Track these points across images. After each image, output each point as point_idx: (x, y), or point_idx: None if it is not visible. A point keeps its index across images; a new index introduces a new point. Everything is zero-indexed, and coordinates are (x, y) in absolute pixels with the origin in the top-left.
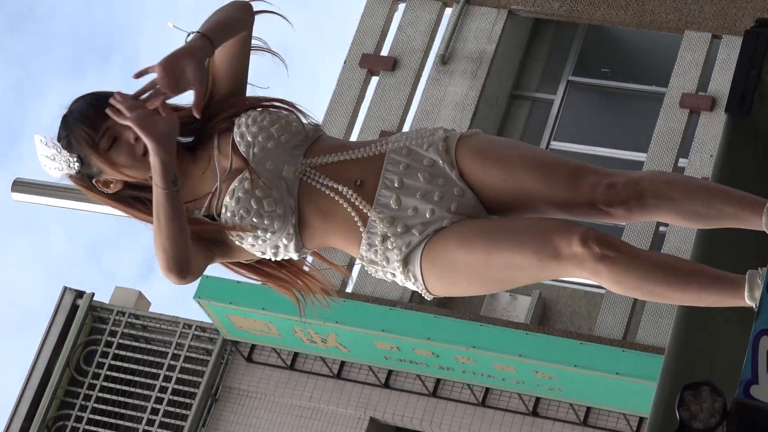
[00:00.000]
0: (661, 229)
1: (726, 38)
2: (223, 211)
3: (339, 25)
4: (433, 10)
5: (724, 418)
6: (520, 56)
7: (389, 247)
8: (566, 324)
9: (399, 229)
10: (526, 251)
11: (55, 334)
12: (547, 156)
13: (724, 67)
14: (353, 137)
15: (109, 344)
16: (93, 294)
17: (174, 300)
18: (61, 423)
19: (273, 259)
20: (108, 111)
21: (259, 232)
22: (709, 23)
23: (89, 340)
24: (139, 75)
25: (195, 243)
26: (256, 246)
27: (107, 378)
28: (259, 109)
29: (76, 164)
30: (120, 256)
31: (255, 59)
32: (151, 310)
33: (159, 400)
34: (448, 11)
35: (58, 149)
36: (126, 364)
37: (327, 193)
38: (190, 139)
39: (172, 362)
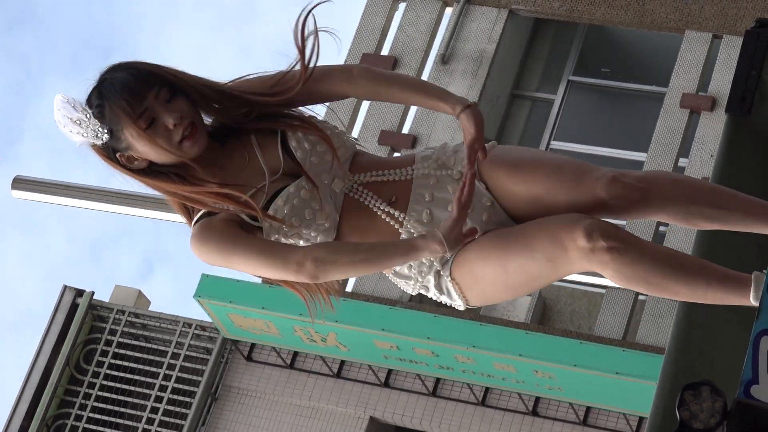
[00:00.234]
0: (661, 228)
1: (726, 38)
2: (272, 213)
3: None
4: (434, 10)
5: (725, 418)
6: (521, 56)
7: (423, 261)
8: (566, 323)
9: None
10: (535, 254)
11: (55, 333)
12: (559, 158)
13: (724, 68)
14: (353, 136)
15: (108, 343)
16: (93, 293)
17: (174, 299)
18: (60, 422)
19: None
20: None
21: (301, 241)
22: (709, 23)
23: (89, 338)
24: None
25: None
26: None
27: (107, 377)
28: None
29: (105, 135)
30: (120, 255)
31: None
32: (150, 308)
33: (159, 399)
34: (449, 11)
35: (87, 115)
36: (126, 363)
37: (371, 208)
38: (208, 120)
39: (172, 361)
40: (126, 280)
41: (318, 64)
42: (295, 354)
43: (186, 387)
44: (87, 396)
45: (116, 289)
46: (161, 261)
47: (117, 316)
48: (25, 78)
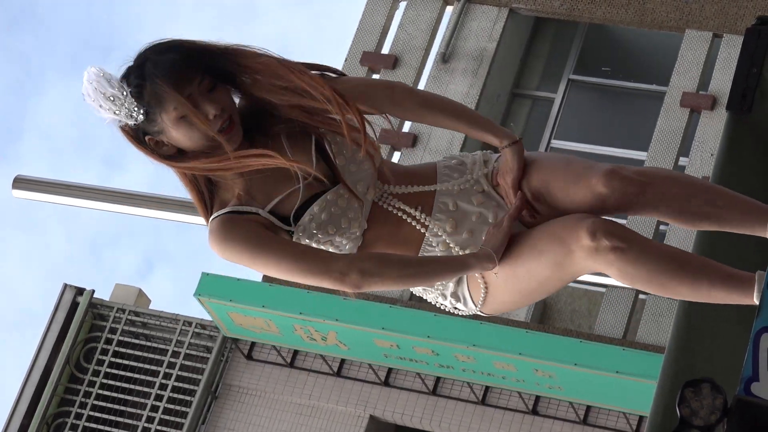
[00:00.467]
0: (662, 228)
1: (727, 37)
2: (307, 219)
3: (339, 23)
4: (434, 8)
5: (725, 416)
6: (521, 55)
7: None
8: (566, 322)
9: (455, 253)
10: (542, 257)
11: (55, 332)
12: (564, 157)
13: (724, 66)
14: None
15: (109, 341)
16: (93, 291)
17: (174, 297)
18: (61, 420)
19: None
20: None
21: (330, 247)
22: (709, 22)
23: (89, 337)
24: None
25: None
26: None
27: (107, 375)
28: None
29: (140, 116)
30: (120, 254)
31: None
32: (151, 307)
33: (159, 398)
34: (449, 9)
35: (124, 93)
36: (126, 362)
37: (398, 215)
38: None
39: (172, 359)
40: (126, 279)
41: (355, 77)
42: (296, 353)
43: (186, 385)
44: (87, 394)
45: (116, 287)
46: (161, 260)
47: (117, 315)
48: (25, 77)
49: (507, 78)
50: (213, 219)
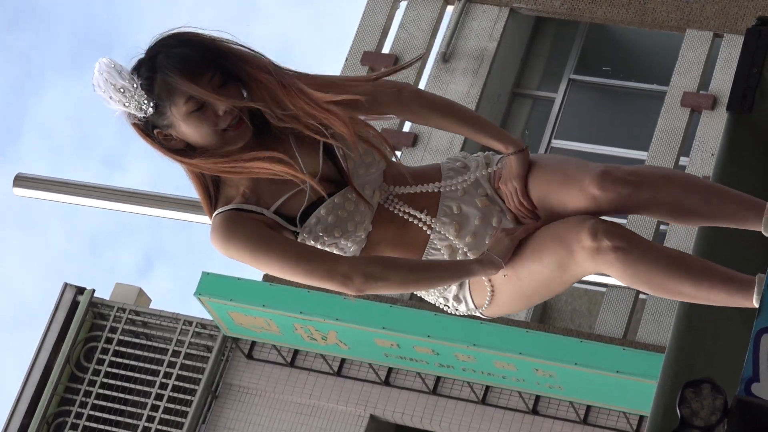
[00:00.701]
0: (662, 227)
1: (727, 37)
2: (314, 221)
3: (339, 23)
4: (435, 8)
5: (725, 416)
6: (522, 54)
7: None
8: (567, 322)
9: (459, 256)
10: (544, 259)
11: (56, 331)
12: (560, 159)
13: (725, 66)
14: None
15: (109, 341)
16: (93, 290)
17: (174, 297)
18: (61, 419)
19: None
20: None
21: (335, 250)
22: (710, 22)
23: (89, 336)
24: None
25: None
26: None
27: (107, 375)
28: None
29: (150, 109)
30: (119, 252)
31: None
32: (151, 306)
33: (159, 397)
34: (450, 9)
35: (134, 85)
36: (126, 361)
37: (404, 218)
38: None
39: (173, 359)
40: (126, 277)
41: (360, 77)
42: (296, 352)
43: (186, 385)
44: (87, 394)
45: (117, 287)
46: (161, 258)
47: (117, 314)
48: (24, 76)
49: (507, 78)
50: (216, 215)
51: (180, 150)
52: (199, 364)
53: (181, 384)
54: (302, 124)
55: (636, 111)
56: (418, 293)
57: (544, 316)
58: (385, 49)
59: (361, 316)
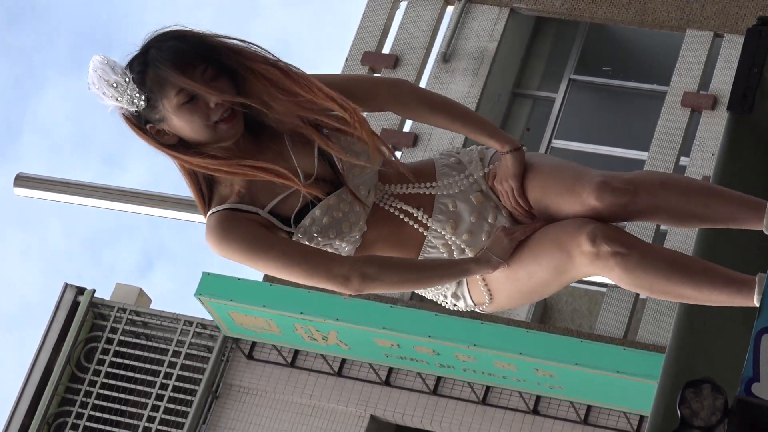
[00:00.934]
0: (662, 228)
1: (728, 37)
2: (308, 222)
3: (339, 22)
4: (435, 8)
5: (726, 416)
6: (522, 54)
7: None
8: (567, 322)
9: (456, 253)
10: (542, 261)
11: (56, 331)
12: (559, 163)
13: (725, 66)
14: None
15: (110, 341)
16: (94, 291)
17: (175, 297)
18: (61, 419)
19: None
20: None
21: (329, 249)
22: (710, 22)
23: (90, 336)
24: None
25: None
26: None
27: (108, 375)
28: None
29: (141, 103)
30: (119, 251)
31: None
32: (152, 307)
33: (160, 397)
34: (450, 9)
35: (126, 79)
36: (127, 361)
37: (401, 217)
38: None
39: (173, 359)
40: (125, 276)
41: (365, 77)
42: (296, 352)
43: (187, 385)
44: (88, 394)
45: (117, 287)
46: (161, 257)
47: (118, 315)
48: (24, 74)
49: (508, 78)
50: (211, 214)
51: (173, 145)
52: (199, 365)
53: (181, 384)
54: (298, 121)
55: (636, 111)
56: (417, 290)
57: (544, 316)
58: (386, 50)
59: (362, 316)
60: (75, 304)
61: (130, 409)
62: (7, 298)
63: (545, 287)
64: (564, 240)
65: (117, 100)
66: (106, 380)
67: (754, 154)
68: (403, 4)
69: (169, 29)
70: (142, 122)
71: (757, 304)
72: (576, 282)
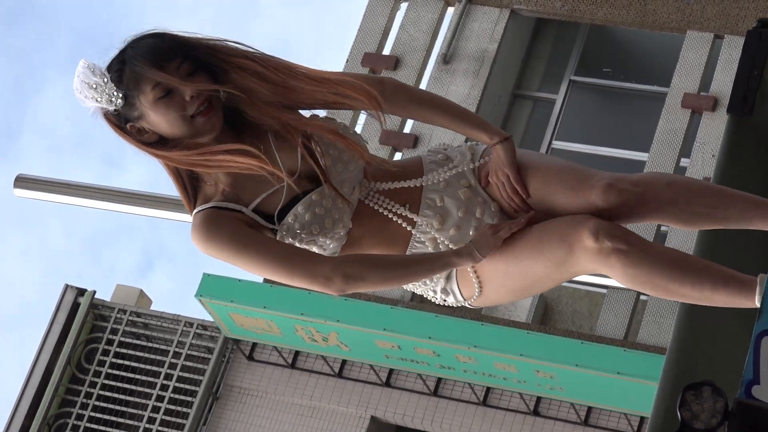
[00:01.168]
0: (663, 228)
1: (728, 38)
2: (291, 219)
3: (339, 23)
4: (436, 10)
5: (726, 419)
6: (522, 56)
7: None
8: (567, 323)
9: (443, 249)
10: (540, 256)
11: (57, 332)
12: (561, 163)
13: (726, 68)
14: None
15: (110, 342)
16: (94, 292)
17: (175, 298)
18: (62, 421)
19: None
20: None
21: (314, 247)
22: (711, 23)
23: (90, 338)
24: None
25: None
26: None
27: (108, 376)
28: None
29: (119, 101)
30: (119, 252)
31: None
32: (152, 308)
33: (160, 399)
34: (451, 10)
35: (105, 79)
36: (127, 362)
37: (385, 214)
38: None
39: (174, 360)
40: (125, 277)
41: (348, 72)
42: (297, 353)
43: (187, 386)
44: (88, 395)
45: (118, 288)
46: (161, 258)
47: (118, 316)
48: (24, 74)
49: (508, 79)
50: (196, 213)
51: (153, 143)
52: (200, 366)
53: (182, 385)
54: (281, 114)
55: (637, 112)
56: (407, 287)
57: (545, 318)
58: (386, 51)
59: (362, 317)
60: (75, 306)
61: (130, 410)
62: (7, 299)
63: (541, 282)
64: (566, 234)
65: (97, 100)
66: (106, 381)
67: (754, 156)
68: (404, 6)
69: (147, 31)
70: (122, 121)
71: (758, 304)
72: (577, 283)
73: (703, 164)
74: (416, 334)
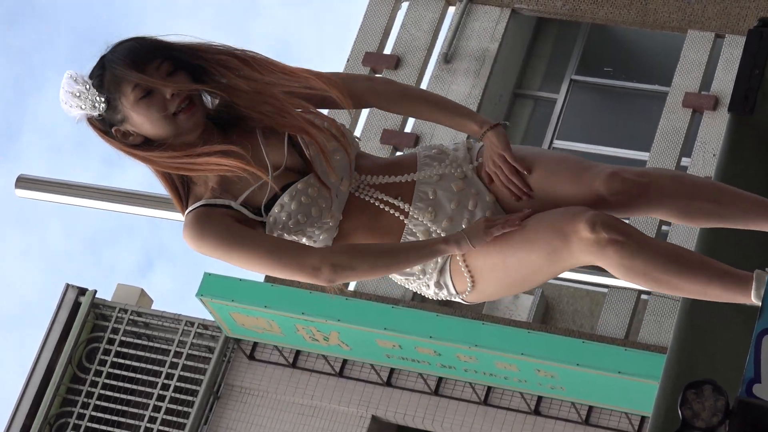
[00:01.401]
0: (664, 227)
1: (729, 37)
2: (277, 209)
3: (339, 22)
4: (437, 9)
5: (727, 417)
6: (523, 55)
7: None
8: (568, 323)
9: None
10: (535, 247)
11: (58, 332)
12: (561, 154)
13: (727, 67)
14: (356, 134)
15: (111, 342)
16: (95, 291)
17: (176, 297)
18: (63, 420)
19: None
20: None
21: (304, 238)
22: (712, 22)
23: (91, 337)
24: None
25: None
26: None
27: (109, 375)
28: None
29: (102, 105)
30: (119, 251)
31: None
32: (153, 307)
33: (161, 398)
34: (452, 10)
35: (87, 86)
36: (128, 362)
37: (377, 205)
38: (210, 100)
39: (175, 360)
40: (126, 276)
41: (339, 72)
42: (298, 353)
43: (188, 386)
44: (89, 395)
45: (119, 287)
46: (161, 257)
47: (119, 315)
48: (24, 74)
49: (509, 78)
50: (187, 213)
51: (138, 145)
52: (200, 365)
53: (182, 385)
54: (266, 108)
55: (637, 111)
56: (399, 282)
57: (546, 317)
58: (387, 50)
59: (363, 317)
60: (76, 305)
61: (131, 409)
62: (7, 299)
63: (535, 275)
64: (561, 225)
65: (81, 108)
66: (107, 381)
67: (755, 155)
68: (405, 5)
69: (127, 37)
70: (107, 126)
71: (754, 300)
72: (578, 283)
73: (704, 163)
74: (417, 334)
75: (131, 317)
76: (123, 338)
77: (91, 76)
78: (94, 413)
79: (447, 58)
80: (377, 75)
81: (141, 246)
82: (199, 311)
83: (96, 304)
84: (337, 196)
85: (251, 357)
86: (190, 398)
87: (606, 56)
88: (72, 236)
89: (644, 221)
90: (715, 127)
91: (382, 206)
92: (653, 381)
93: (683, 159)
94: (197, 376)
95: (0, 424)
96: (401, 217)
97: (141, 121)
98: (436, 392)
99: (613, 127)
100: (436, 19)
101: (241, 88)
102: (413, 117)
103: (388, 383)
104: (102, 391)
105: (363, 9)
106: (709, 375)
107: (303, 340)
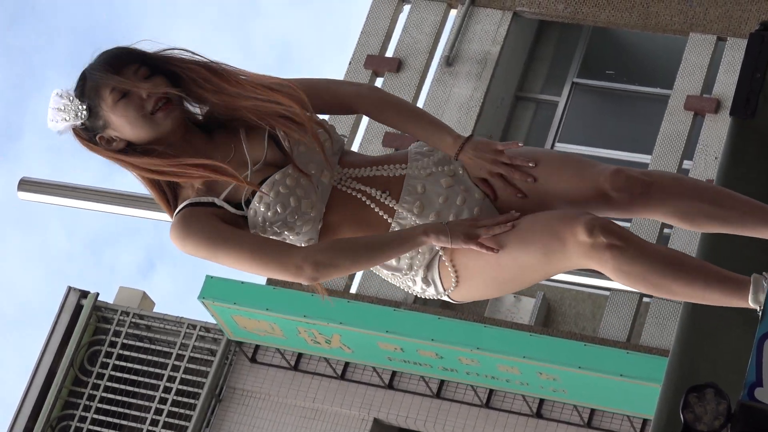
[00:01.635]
0: (666, 231)
1: (731, 41)
2: (257, 202)
3: (340, 24)
4: (438, 12)
5: (729, 421)
6: (525, 58)
7: (413, 253)
8: (570, 326)
9: None
10: (530, 247)
11: (60, 334)
12: (563, 153)
13: (728, 70)
14: (357, 138)
15: (113, 344)
16: (97, 294)
17: (178, 300)
18: (65, 423)
19: None
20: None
21: (286, 231)
22: (713, 26)
23: (93, 340)
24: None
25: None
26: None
27: (111, 378)
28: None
29: (84, 113)
30: (120, 253)
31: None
32: (155, 310)
33: (163, 401)
34: (453, 13)
35: (70, 98)
36: (130, 365)
37: (361, 198)
38: (197, 110)
39: (176, 362)
40: (127, 278)
41: (326, 77)
42: (300, 356)
43: (190, 388)
44: (91, 397)
45: (120, 290)
46: (162, 260)
47: (121, 318)
48: (24, 74)
49: (511, 81)
50: (175, 215)
51: (122, 150)
52: (202, 368)
53: (184, 388)
54: (239, 114)
55: (639, 114)
56: (386, 277)
57: (547, 320)
58: (389, 53)
59: (365, 319)
60: (78, 308)
61: (133, 412)
62: (9, 301)
63: (526, 276)
64: (559, 227)
65: (65, 120)
66: (109, 383)
67: (757, 159)
68: (407, 8)
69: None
70: (91, 134)
71: (751, 304)
72: (579, 286)
73: (705, 167)
74: (419, 336)
75: (133, 320)
76: (125, 341)
77: (74, 89)
78: (96, 416)
79: (449, 61)
80: (378, 78)
81: (143, 248)
82: (201, 314)
83: (98, 307)
84: (318, 187)
85: (253, 360)
86: (192, 401)
87: (608, 59)
88: (74, 238)
89: (646, 225)
90: (717, 131)
91: (365, 199)
92: (655, 384)
93: (685, 162)
94: (199, 379)
95: (2, 427)
96: (385, 215)
97: (120, 123)
98: (437, 395)
99: (614, 130)
100: (438, 22)
101: (209, 99)
102: (393, 126)
103: (390, 386)
104: (104, 394)
105: (365, 11)
106: (711, 378)
107: (305, 343)
